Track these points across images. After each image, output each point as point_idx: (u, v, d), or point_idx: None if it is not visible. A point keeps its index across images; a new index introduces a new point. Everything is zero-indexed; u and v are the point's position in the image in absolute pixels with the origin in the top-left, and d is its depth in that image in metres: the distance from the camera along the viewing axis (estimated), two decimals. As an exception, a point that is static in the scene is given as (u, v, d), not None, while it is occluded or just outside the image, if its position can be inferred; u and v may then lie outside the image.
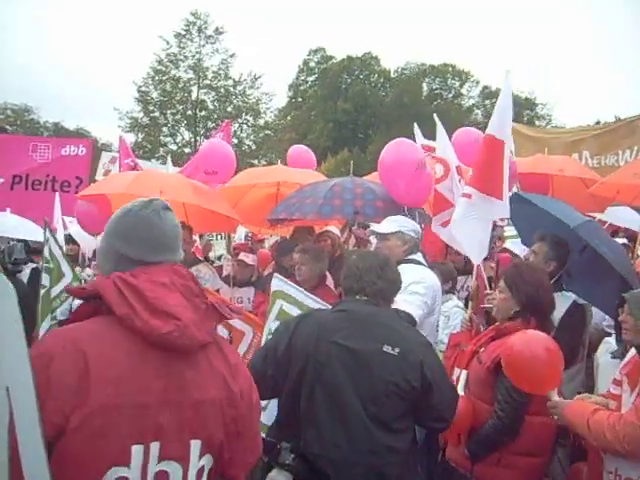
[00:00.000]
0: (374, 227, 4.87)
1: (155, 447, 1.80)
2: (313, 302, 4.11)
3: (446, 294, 5.56)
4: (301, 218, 6.17)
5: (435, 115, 6.10)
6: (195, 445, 1.87)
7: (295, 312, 4.05)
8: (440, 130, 5.77)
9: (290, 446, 2.93)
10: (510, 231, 6.61)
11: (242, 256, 7.35)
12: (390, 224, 4.71)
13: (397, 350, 3.05)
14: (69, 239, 8.37)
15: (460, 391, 3.58)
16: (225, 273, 7.51)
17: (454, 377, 3.78)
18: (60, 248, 6.09)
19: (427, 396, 3.07)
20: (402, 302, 4.03)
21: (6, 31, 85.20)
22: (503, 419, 3.42)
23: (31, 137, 17.10)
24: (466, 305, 5.38)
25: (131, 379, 1.78)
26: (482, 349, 3.70)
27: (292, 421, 3.08)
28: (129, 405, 1.76)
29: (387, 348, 3.05)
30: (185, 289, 1.94)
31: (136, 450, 1.77)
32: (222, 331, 5.05)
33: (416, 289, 4.30)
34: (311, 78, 55.84)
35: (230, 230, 8.21)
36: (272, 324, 4.14)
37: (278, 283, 4.36)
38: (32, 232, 7.87)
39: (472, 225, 4.86)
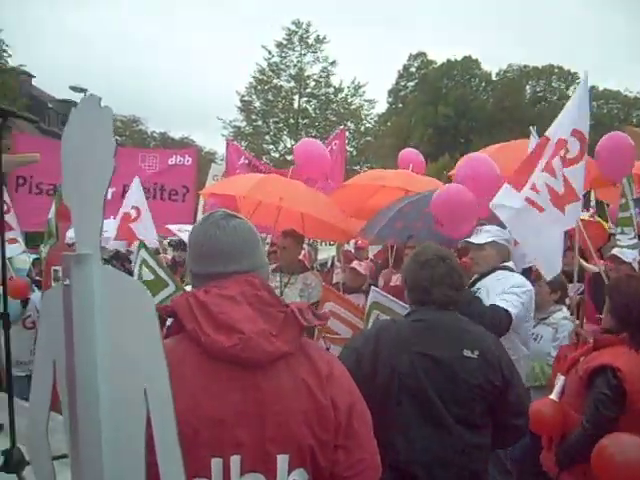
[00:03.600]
0: (470, 238, 4.97)
1: (235, 461, 1.77)
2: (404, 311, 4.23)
3: (555, 304, 5.60)
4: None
5: (532, 127, 5.93)
6: (282, 460, 1.81)
7: None
8: (534, 142, 5.55)
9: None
10: (624, 239, 6.38)
11: (355, 265, 7.37)
12: (484, 235, 4.82)
13: (476, 353, 3.14)
14: (178, 246, 8.80)
15: (554, 396, 3.66)
16: (335, 280, 7.62)
17: (555, 382, 3.83)
18: (156, 260, 6.26)
19: (505, 393, 3.16)
20: (500, 301, 4.21)
21: (117, 45, 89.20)
22: (588, 431, 3.42)
23: (140, 148, 17.79)
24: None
25: (205, 394, 1.77)
26: (582, 358, 3.71)
27: (377, 434, 3.18)
28: (204, 419, 1.75)
29: (467, 352, 3.14)
30: (256, 299, 1.87)
31: (215, 463, 1.76)
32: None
33: (515, 291, 4.40)
34: (411, 83, 55.64)
35: (345, 240, 8.31)
36: None
37: (376, 295, 4.61)
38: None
39: (545, 236, 4.79)
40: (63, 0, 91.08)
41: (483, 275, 4.67)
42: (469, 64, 54.03)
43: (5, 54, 29.34)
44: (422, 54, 55.08)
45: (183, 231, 9.01)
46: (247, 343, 1.77)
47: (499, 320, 4.20)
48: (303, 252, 8.36)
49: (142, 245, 6.38)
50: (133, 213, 8.55)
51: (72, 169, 1.55)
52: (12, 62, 29.94)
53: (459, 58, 53.66)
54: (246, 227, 2.03)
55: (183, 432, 1.48)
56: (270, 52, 43.31)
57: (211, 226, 1.99)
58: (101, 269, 1.45)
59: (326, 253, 11.06)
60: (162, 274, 6.08)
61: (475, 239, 4.82)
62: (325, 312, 5.52)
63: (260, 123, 44.48)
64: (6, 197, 8.00)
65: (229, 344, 1.77)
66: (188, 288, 7.08)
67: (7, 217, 7.71)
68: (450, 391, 3.11)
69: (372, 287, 4.72)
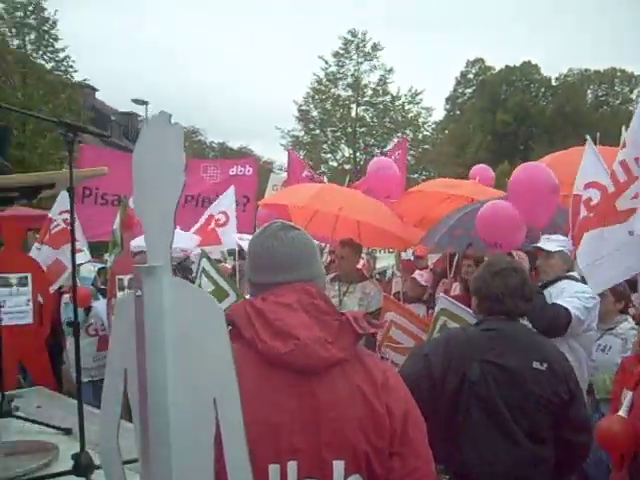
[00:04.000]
0: (540, 244, 4.94)
1: (292, 466, 1.79)
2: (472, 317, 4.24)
3: (620, 314, 5.49)
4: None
5: (587, 136, 5.52)
6: (338, 465, 1.82)
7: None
8: (590, 150, 5.23)
9: (444, 468, 3.09)
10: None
11: (416, 275, 7.38)
12: (553, 243, 4.81)
13: (545, 365, 3.15)
14: (238, 254, 8.98)
15: (623, 413, 3.55)
16: (395, 290, 7.61)
17: (622, 399, 3.72)
18: (217, 269, 6.35)
19: (570, 406, 3.15)
20: (562, 302, 4.19)
21: (176, 58, 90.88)
22: None
23: (202, 159, 18.15)
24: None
25: (261, 400, 1.79)
26: (651, 371, 3.61)
27: (444, 442, 3.10)
28: (262, 425, 1.76)
29: (536, 364, 3.14)
30: (312, 307, 1.90)
31: (273, 469, 1.78)
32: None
33: (579, 296, 4.42)
34: (469, 90, 55.19)
35: (403, 247, 8.31)
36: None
37: (445, 302, 4.65)
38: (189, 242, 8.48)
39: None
40: (124, 14, 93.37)
41: (548, 283, 4.65)
42: (528, 69, 53.28)
43: (71, 69, 30.18)
44: (480, 60, 54.61)
45: (244, 240, 9.17)
46: (303, 349, 1.80)
47: (558, 315, 4.21)
48: (362, 261, 8.39)
49: (204, 255, 6.48)
50: (222, 218, 8.87)
51: (143, 183, 1.59)
52: (77, 76, 30.81)
53: (518, 63, 52.99)
54: (304, 238, 2.07)
55: None
56: (327, 62, 43.55)
57: (269, 237, 2.03)
58: (171, 280, 1.49)
59: (385, 261, 11.07)
60: (223, 284, 6.18)
61: (546, 245, 4.80)
62: (381, 321, 5.56)
63: (318, 132, 44.68)
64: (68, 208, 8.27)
65: (285, 350, 1.79)
66: (248, 297, 7.20)
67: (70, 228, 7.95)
68: (519, 402, 3.11)
69: (441, 294, 4.74)
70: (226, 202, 9.06)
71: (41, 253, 8.12)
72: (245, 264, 2.14)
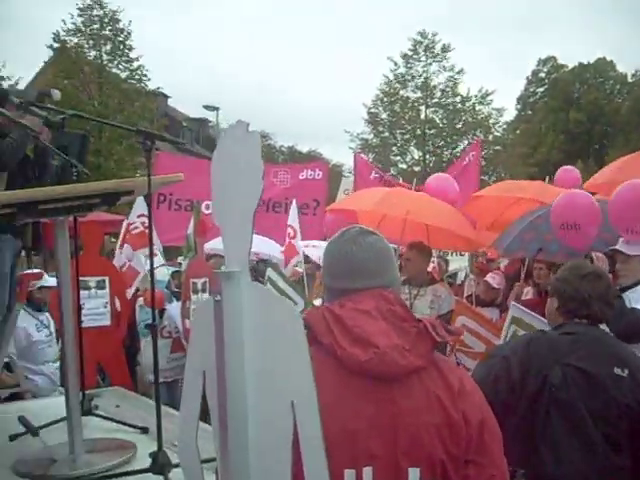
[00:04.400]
0: (619, 247, 4.83)
1: (368, 472, 1.79)
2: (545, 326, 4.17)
3: None
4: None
5: None
6: (413, 472, 1.81)
7: None
8: None
9: (524, 472, 3.06)
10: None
11: (488, 278, 7.32)
12: (632, 246, 4.70)
13: (626, 371, 3.09)
14: (305, 259, 9.12)
15: None
16: (467, 293, 7.56)
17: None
18: (284, 277, 6.45)
19: None
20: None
21: (245, 64, 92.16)
22: None
23: (272, 165, 18.38)
24: None
25: (339, 406, 1.79)
26: None
27: (521, 446, 3.10)
28: (339, 431, 1.76)
29: (617, 370, 3.09)
30: (391, 314, 1.90)
31: (349, 474, 1.78)
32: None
33: None
34: (541, 89, 54.04)
35: (471, 249, 8.25)
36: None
37: (517, 311, 4.60)
38: (274, 250, 8.61)
39: None
40: (192, 21, 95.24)
41: (627, 287, 4.54)
42: (603, 66, 51.75)
43: (145, 77, 30.98)
44: (552, 58, 53.37)
45: (310, 247, 9.30)
46: (382, 358, 1.80)
47: (637, 321, 4.12)
48: (432, 264, 8.35)
49: (269, 264, 6.58)
50: (291, 232, 9.13)
51: (222, 190, 1.63)
52: (150, 84, 31.61)
53: (592, 60, 51.63)
54: (382, 243, 2.06)
55: None
56: (396, 63, 43.32)
57: (347, 242, 2.03)
58: (250, 286, 1.53)
59: (457, 264, 10.99)
60: (290, 292, 6.28)
61: (625, 249, 4.70)
62: (458, 328, 5.52)
63: (387, 135, 44.52)
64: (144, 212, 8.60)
65: (365, 358, 1.79)
66: (316, 302, 7.30)
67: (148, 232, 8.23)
68: (599, 408, 3.07)
69: (512, 302, 4.68)
70: (292, 216, 9.25)
71: (122, 255, 8.45)
72: (322, 269, 2.14)
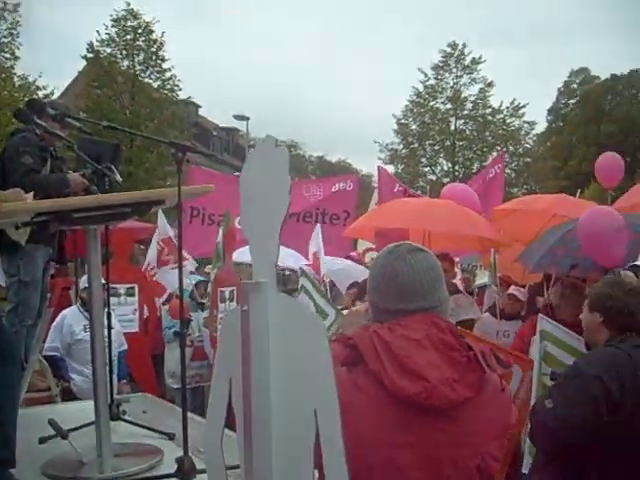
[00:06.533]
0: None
1: None
2: (579, 343, 4.09)
3: None
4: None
5: None
6: None
7: (560, 354, 4.14)
8: None
9: None
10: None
11: (513, 290, 7.26)
12: None
13: None
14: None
15: None
16: (489, 304, 7.49)
17: None
18: (317, 289, 6.45)
19: None
20: None
21: (276, 75, 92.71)
22: None
23: (304, 181, 18.50)
24: None
25: (380, 430, 1.79)
26: None
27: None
28: (380, 457, 1.77)
29: None
30: (441, 343, 1.85)
31: None
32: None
33: None
34: (572, 101, 53.56)
35: (487, 248, 8.13)
36: (541, 365, 4.23)
37: (545, 324, 4.45)
38: (300, 262, 8.68)
39: None
40: (222, 32, 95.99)
41: None
42: (636, 78, 51.23)
43: (176, 87, 31.33)
44: (584, 70, 52.93)
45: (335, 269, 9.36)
46: (431, 392, 1.77)
47: None
48: (459, 277, 8.29)
49: (304, 274, 6.59)
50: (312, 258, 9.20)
51: (250, 203, 1.68)
52: (181, 94, 31.96)
53: (625, 72, 51.07)
54: (431, 261, 2.00)
55: (356, 467, 1.44)
56: (426, 75, 43.24)
57: (397, 260, 1.97)
58: (276, 296, 1.56)
59: (485, 278, 10.92)
60: (322, 304, 6.25)
61: None
62: (509, 359, 5.41)
63: (416, 146, 44.42)
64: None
65: (414, 391, 1.77)
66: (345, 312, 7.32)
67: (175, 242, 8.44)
68: None
69: (540, 315, 4.59)
70: (316, 245, 9.19)
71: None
72: (369, 286, 2.06)
